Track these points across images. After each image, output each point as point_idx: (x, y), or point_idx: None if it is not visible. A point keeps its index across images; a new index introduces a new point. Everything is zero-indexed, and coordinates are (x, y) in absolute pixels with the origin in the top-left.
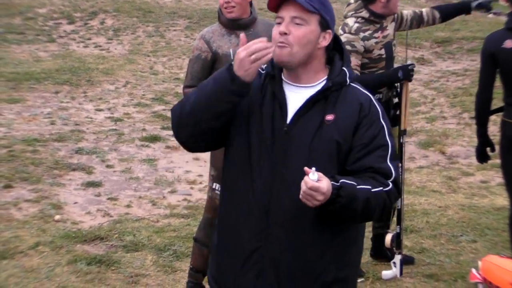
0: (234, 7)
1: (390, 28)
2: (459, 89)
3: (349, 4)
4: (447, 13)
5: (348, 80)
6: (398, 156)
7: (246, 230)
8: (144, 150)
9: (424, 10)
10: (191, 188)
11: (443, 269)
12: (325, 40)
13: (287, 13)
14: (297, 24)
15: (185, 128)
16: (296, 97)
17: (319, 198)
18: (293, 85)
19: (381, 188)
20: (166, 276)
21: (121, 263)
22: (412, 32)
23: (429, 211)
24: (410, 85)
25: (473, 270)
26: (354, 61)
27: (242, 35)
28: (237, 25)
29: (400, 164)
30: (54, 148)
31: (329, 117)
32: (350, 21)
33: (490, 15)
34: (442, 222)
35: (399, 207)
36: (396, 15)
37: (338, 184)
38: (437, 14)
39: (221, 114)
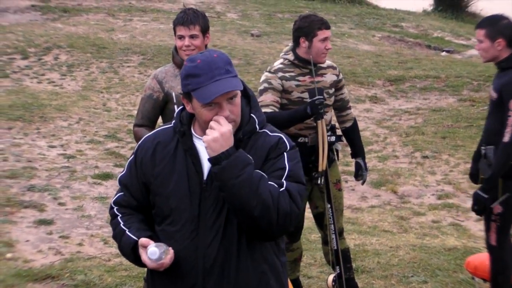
0: (193, 50)
1: (328, 77)
2: (411, 128)
3: (288, 45)
4: (351, 142)
5: (257, 127)
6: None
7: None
8: (96, 188)
9: (349, 121)
10: None
11: None
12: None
13: (222, 98)
14: (233, 100)
15: None
16: None
17: (222, 129)
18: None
19: (275, 185)
20: None
21: None
22: (365, 70)
23: (380, 251)
24: (363, 123)
25: None
26: (271, 97)
27: None
28: None
29: (329, 206)
30: (6, 185)
31: None
32: (276, 62)
33: (443, 53)
34: (393, 262)
35: (335, 247)
36: (339, 74)
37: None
38: (345, 130)
39: None
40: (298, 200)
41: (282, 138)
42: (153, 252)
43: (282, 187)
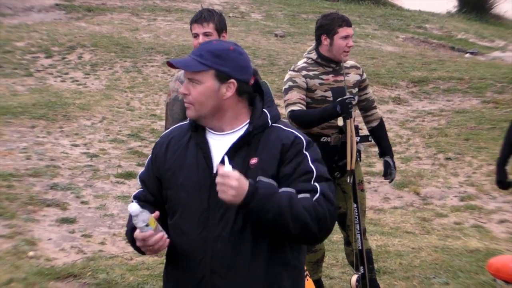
0: None
1: (352, 77)
2: (434, 129)
3: (311, 45)
4: (378, 141)
5: (269, 122)
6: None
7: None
8: (119, 187)
9: (375, 120)
10: None
11: None
12: (230, 90)
13: (186, 74)
14: (194, 83)
15: None
16: (220, 144)
17: (233, 183)
18: (216, 134)
19: (307, 195)
20: None
21: None
22: (389, 71)
23: (402, 252)
24: (386, 125)
25: None
26: (297, 95)
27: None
28: None
29: (355, 205)
30: (29, 184)
31: (253, 160)
32: (300, 61)
33: (467, 55)
34: (415, 263)
35: (360, 247)
36: (362, 74)
37: (257, 180)
38: (372, 130)
39: None
40: (332, 199)
41: (298, 135)
42: (132, 206)
43: (316, 192)
